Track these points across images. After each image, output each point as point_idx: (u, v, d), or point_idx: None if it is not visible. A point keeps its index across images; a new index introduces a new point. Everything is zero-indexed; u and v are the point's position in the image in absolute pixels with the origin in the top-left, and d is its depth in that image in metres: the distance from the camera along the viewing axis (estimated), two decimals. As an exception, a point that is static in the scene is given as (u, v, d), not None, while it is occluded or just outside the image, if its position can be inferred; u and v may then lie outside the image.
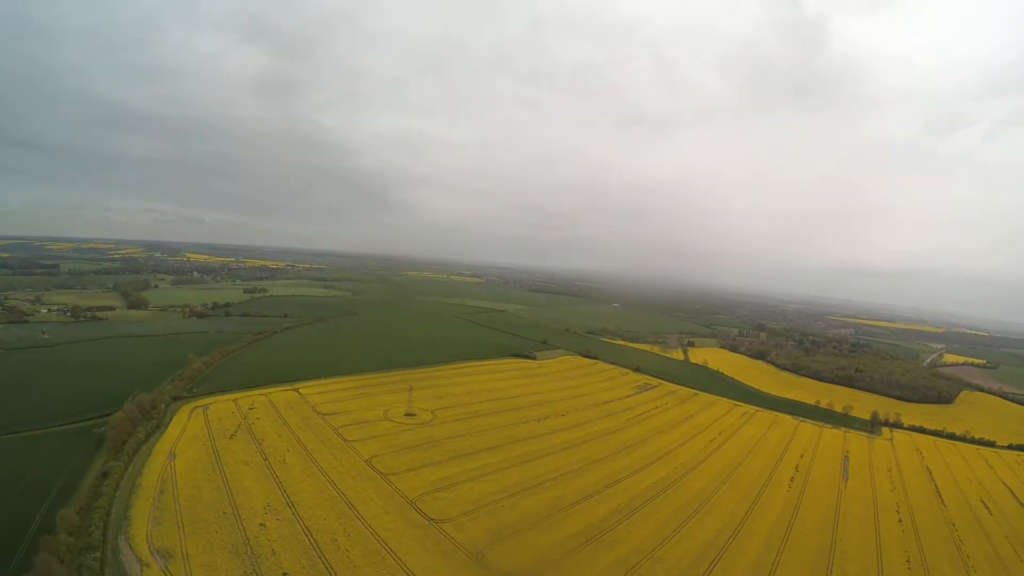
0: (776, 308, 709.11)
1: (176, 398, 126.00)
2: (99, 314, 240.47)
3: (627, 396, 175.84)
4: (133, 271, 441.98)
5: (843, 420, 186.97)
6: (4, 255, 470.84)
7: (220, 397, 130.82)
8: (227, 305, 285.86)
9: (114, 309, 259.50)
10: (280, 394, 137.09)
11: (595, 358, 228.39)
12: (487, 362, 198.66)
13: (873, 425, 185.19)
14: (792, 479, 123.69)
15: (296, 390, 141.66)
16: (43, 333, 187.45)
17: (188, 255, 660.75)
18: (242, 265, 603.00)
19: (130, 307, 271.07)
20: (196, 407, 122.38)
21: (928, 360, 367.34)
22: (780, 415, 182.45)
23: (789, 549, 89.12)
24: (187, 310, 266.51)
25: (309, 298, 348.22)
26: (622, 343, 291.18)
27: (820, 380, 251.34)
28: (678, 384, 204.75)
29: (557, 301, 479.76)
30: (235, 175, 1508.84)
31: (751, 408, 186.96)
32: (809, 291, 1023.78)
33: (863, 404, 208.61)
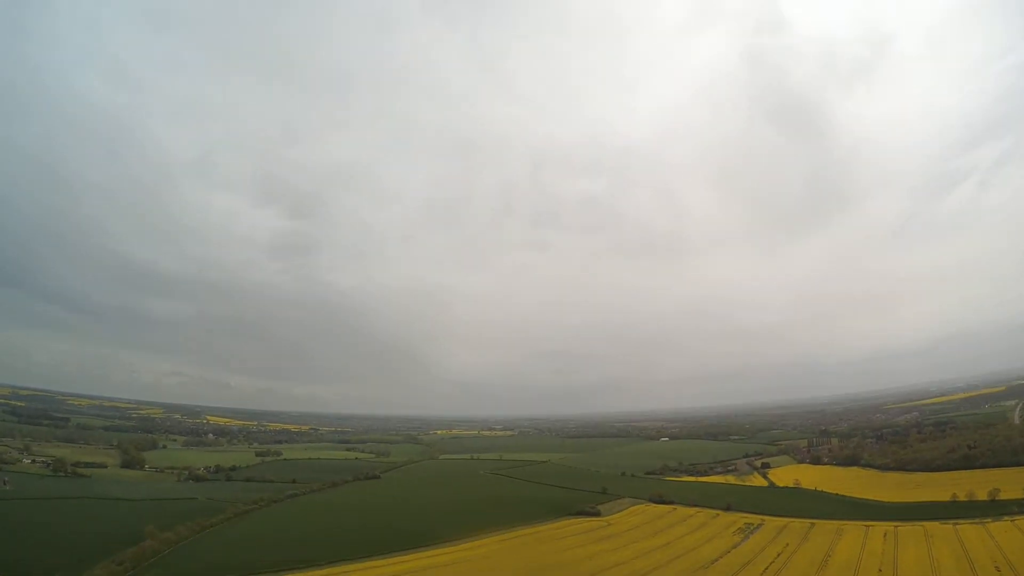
0: (824, 412, 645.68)
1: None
2: (85, 470, 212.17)
3: (734, 546, 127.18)
4: (147, 430, 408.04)
5: (998, 508, 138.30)
6: (19, 403, 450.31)
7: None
8: (232, 469, 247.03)
9: (105, 467, 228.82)
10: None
11: (671, 502, 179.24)
12: (541, 526, 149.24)
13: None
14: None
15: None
16: (4, 484, 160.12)
17: (209, 417, 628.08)
18: (263, 428, 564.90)
19: (124, 466, 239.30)
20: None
21: (1016, 417, 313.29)
22: (926, 525, 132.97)
23: None
24: (186, 473, 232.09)
25: (326, 461, 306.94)
26: (690, 479, 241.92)
27: (933, 471, 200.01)
28: (783, 516, 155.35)
29: (600, 444, 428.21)
30: (259, 338, 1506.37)
31: (887, 525, 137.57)
32: (847, 389, 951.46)
33: (1001, 482, 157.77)
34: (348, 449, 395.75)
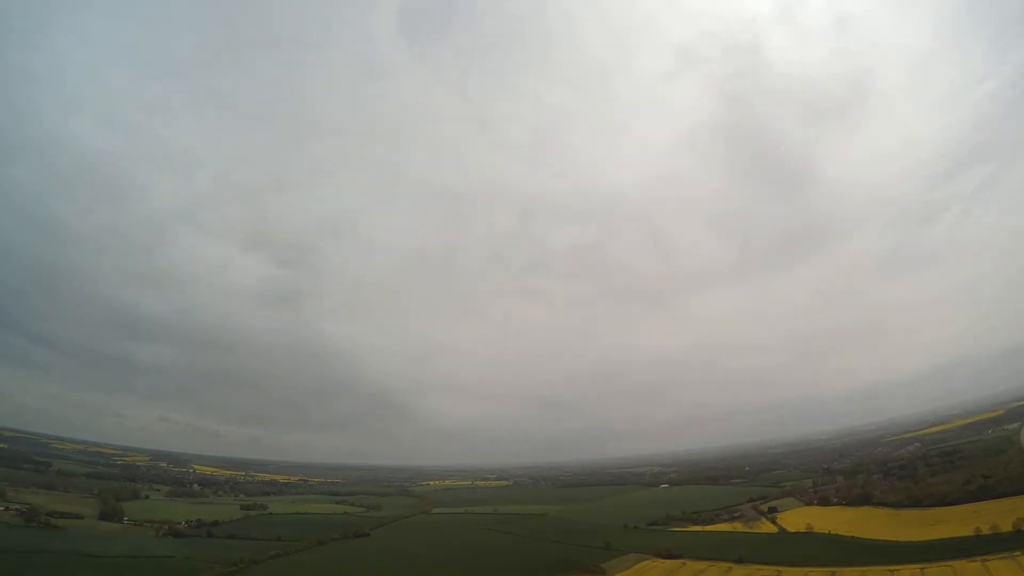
0: (823, 448, 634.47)
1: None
2: (59, 521, 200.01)
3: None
4: (130, 479, 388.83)
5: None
6: (1, 445, 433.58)
7: None
8: (214, 524, 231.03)
9: (81, 518, 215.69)
10: None
11: (679, 556, 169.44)
12: None
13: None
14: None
15: None
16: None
17: (196, 467, 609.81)
18: (251, 479, 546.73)
19: (102, 517, 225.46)
20: None
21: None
22: (954, 564, 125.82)
23: None
24: (165, 527, 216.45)
25: (314, 516, 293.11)
26: (695, 528, 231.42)
27: (950, 505, 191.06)
28: (801, 566, 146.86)
29: (598, 494, 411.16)
30: (250, 386, 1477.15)
31: (913, 568, 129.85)
32: (843, 423, 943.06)
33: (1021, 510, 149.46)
34: (338, 502, 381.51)
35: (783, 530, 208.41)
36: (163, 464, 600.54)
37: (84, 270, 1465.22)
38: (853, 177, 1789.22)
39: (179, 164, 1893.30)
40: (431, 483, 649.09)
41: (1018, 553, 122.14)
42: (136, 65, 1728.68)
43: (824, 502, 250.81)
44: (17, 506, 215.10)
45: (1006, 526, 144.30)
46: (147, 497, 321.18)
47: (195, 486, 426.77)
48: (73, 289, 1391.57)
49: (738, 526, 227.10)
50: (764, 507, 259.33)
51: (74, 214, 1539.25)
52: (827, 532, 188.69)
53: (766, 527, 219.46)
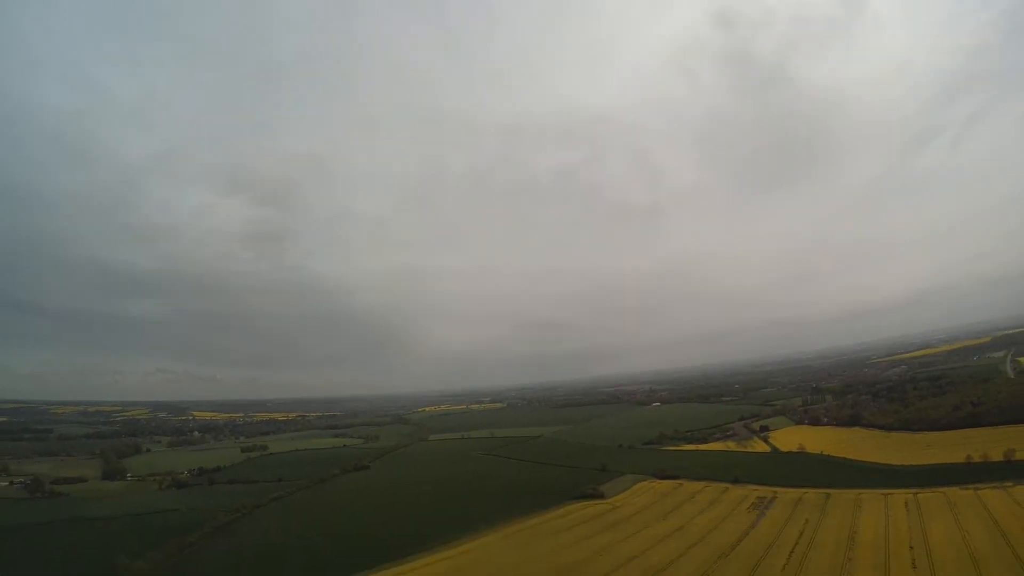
0: (811, 367, 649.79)
1: None
2: (63, 487, 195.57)
3: (752, 526, 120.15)
4: (131, 434, 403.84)
5: (1017, 469, 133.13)
6: (1, 419, 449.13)
7: None
8: (216, 470, 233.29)
9: (85, 481, 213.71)
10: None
11: (675, 477, 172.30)
12: (545, 515, 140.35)
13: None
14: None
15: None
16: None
17: (195, 413, 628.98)
18: (250, 420, 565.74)
19: (104, 477, 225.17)
20: None
21: (1010, 369, 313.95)
22: (947, 491, 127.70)
23: None
24: (168, 479, 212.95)
25: (314, 452, 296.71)
26: (690, 447, 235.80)
27: (940, 430, 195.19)
28: (795, 487, 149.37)
29: (591, 413, 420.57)
30: (241, 328, 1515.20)
31: (906, 493, 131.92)
32: (830, 344, 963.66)
33: (1014, 441, 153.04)
34: (336, 435, 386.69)
35: (776, 450, 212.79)
36: (163, 415, 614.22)
37: (62, 234, 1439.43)
38: (845, 100, 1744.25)
39: (151, 114, 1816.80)
40: (426, 409, 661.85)
41: (1009, 484, 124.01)
42: (93, 17, 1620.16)
43: (815, 422, 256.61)
44: (21, 479, 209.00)
45: (996, 455, 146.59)
46: (148, 450, 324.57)
47: (195, 433, 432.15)
48: (54, 254, 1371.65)
49: (731, 445, 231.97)
50: (756, 426, 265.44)
51: (44, 179, 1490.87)
52: (819, 453, 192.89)
53: (759, 446, 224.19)
